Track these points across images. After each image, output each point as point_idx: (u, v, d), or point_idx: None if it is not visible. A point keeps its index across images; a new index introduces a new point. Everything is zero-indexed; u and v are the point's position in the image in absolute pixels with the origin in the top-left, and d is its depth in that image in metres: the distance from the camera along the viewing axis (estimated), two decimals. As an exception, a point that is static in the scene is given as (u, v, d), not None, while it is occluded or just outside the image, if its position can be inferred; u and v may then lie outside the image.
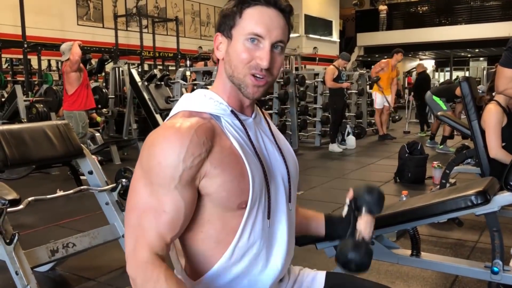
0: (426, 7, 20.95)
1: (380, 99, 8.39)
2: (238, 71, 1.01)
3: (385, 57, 8.44)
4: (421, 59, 25.24)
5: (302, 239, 2.02)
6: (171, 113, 1.06)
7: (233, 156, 0.99)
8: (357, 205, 1.20)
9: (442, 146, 6.96)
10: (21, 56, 8.73)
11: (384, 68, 8.28)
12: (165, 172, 0.93)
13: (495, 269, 1.97)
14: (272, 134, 1.13)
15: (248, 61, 1.00)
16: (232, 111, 1.04)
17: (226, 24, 1.02)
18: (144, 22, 12.50)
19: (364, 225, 1.18)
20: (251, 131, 1.06)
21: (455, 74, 21.32)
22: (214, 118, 1.02)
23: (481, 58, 25.18)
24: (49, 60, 10.45)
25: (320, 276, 1.21)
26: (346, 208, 1.23)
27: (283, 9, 1.02)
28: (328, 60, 15.67)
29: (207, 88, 1.12)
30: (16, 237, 2.21)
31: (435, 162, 4.67)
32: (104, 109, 7.91)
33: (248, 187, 0.98)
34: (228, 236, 1.01)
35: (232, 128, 1.02)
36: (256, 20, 0.99)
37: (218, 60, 1.07)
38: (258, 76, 1.01)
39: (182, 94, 6.82)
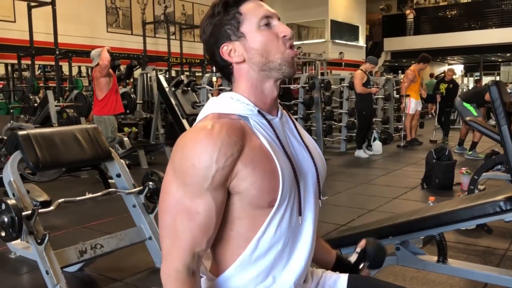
0: (455, 11, 20.55)
1: (414, 104, 8.24)
2: (272, 55, 1.05)
3: (413, 62, 8.28)
4: (449, 64, 24.81)
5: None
6: (200, 116, 1.08)
7: (263, 154, 1.01)
8: (365, 256, 1.35)
9: (471, 152, 6.82)
10: (53, 63, 8.99)
11: (414, 79, 8.16)
12: (199, 173, 0.95)
13: (525, 277, 1.93)
14: (299, 133, 1.15)
15: (276, 40, 1.06)
16: (259, 111, 1.06)
17: (229, 30, 1.06)
18: (172, 29, 12.67)
19: None
20: (278, 130, 1.08)
21: (485, 79, 20.84)
22: (242, 118, 1.05)
23: (513, 63, 24.58)
24: (79, 67, 10.73)
25: (342, 279, 1.21)
26: (355, 255, 1.37)
27: None
28: (354, 65, 15.54)
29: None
30: (47, 237, 2.27)
31: (463, 168, 4.59)
32: (131, 115, 8.04)
33: (279, 184, 1.00)
34: (256, 234, 1.03)
35: (260, 127, 1.05)
36: (257, 7, 1.07)
37: (231, 67, 1.09)
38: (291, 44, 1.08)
39: (208, 99, 6.89)
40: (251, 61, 1.06)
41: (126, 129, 7.96)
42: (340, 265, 1.35)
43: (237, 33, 1.06)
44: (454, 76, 9.59)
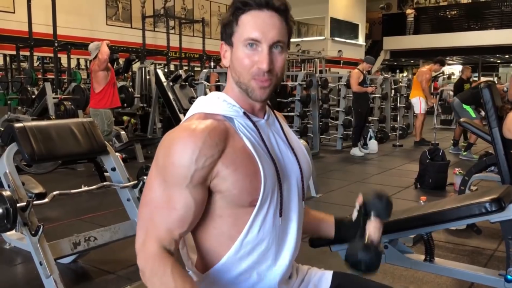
0: (455, 12, 20.59)
1: (425, 104, 8.17)
2: (243, 77, 1.05)
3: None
4: (448, 64, 24.85)
5: (317, 241, 2.07)
6: (187, 114, 1.10)
7: (246, 156, 1.03)
8: (366, 210, 1.25)
9: (466, 153, 6.86)
10: (51, 55, 8.98)
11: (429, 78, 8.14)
12: (178, 172, 0.98)
13: (509, 277, 1.97)
14: (285, 135, 1.17)
15: (250, 67, 1.04)
16: (244, 113, 1.08)
17: (226, 32, 1.07)
18: (171, 23, 12.68)
19: (373, 229, 1.22)
20: (263, 132, 1.10)
21: (484, 80, 20.84)
22: (227, 119, 1.06)
23: (512, 64, 24.64)
24: (78, 59, 10.72)
25: (327, 275, 1.24)
26: (355, 213, 1.28)
27: (277, 9, 1.04)
28: (353, 64, 15.56)
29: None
30: (41, 229, 2.29)
31: (457, 169, 4.62)
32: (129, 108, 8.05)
33: (260, 185, 1.02)
34: (239, 232, 1.05)
35: (245, 129, 1.06)
36: (251, 25, 1.02)
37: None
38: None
39: (205, 94, 6.89)
40: (232, 71, 1.09)
41: (125, 118, 7.94)
42: (341, 229, 1.32)
43: (229, 40, 1.07)
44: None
